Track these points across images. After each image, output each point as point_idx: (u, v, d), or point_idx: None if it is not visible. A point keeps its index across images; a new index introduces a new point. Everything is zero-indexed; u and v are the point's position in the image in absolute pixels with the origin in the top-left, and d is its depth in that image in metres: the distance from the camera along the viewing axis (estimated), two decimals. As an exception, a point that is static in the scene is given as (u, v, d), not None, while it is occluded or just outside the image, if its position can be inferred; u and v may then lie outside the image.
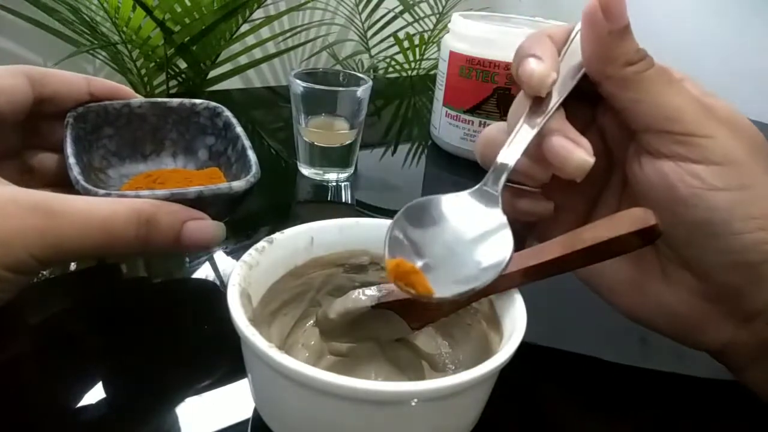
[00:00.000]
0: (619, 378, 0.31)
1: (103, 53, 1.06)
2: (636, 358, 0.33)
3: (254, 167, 0.32)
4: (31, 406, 0.26)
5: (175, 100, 0.37)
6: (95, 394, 0.27)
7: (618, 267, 0.28)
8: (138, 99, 0.37)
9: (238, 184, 0.30)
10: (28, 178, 0.33)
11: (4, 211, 0.24)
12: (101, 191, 0.28)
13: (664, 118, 0.24)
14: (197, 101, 0.38)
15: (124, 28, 0.99)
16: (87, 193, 0.28)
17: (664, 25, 1.08)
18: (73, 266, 0.36)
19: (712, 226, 0.24)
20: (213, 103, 0.38)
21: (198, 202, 0.29)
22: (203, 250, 0.29)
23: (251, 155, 0.34)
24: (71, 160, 0.30)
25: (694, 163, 0.24)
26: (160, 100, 0.37)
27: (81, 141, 0.34)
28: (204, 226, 0.29)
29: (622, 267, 0.28)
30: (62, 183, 0.30)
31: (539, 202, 0.28)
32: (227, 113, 0.37)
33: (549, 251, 0.24)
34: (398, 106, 0.84)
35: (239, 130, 0.36)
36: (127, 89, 0.36)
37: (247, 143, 0.35)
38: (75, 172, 0.30)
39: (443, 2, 1.45)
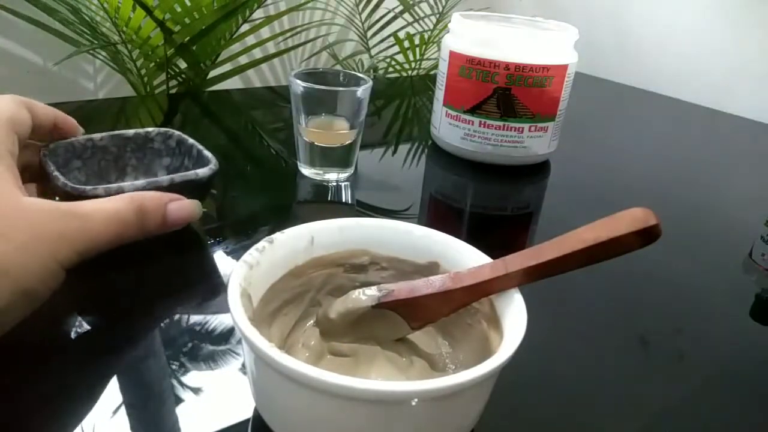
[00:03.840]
0: (619, 378, 0.32)
1: (103, 53, 1.06)
2: (636, 358, 0.33)
3: (213, 159, 0.39)
4: (29, 405, 0.26)
5: (131, 131, 0.43)
6: (94, 392, 0.27)
7: None
8: (98, 134, 0.41)
9: (203, 171, 0.37)
10: None
11: (43, 217, 0.26)
12: (88, 188, 0.33)
13: None
14: (150, 129, 0.43)
15: (124, 28, 0.99)
16: (76, 191, 0.33)
17: (665, 26, 1.08)
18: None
19: None
20: (163, 129, 0.43)
21: (171, 189, 0.34)
22: (184, 225, 0.34)
23: (207, 153, 0.40)
24: (55, 173, 0.34)
25: None
26: (117, 132, 0.42)
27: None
28: (183, 204, 0.33)
29: None
30: None
31: None
32: (177, 133, 0.43)
33: (549, 251, 0.24)
34: (398, 106, 0.84)
35: (191, 141, 0.42)
36: (70, 121, 0.38)
37: (200, 147, 0.41)
38: (62, 179, 0.34)
39: (443, 2, 1.45)
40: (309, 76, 0.49)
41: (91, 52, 1.03)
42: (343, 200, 0.50)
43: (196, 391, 0.28)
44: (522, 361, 0.22)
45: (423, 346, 0.29)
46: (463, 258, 0.28)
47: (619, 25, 1.15)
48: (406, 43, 1.38)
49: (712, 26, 1.02)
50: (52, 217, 0.26)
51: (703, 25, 1.03)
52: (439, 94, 0.59)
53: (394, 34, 1.39)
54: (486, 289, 0.25)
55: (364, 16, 1.43)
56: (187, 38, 1.00)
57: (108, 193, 0.33)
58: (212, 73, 1.11)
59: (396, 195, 0.53)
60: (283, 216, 0.48)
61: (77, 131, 0.39)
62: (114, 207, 0.29)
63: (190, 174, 0.36)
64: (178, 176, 0.36)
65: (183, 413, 0.26)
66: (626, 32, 1.14)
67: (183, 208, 0.33)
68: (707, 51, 1.03)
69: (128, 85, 1.09)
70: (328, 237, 0.29)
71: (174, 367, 0.29)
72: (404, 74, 1.43)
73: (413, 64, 1.43)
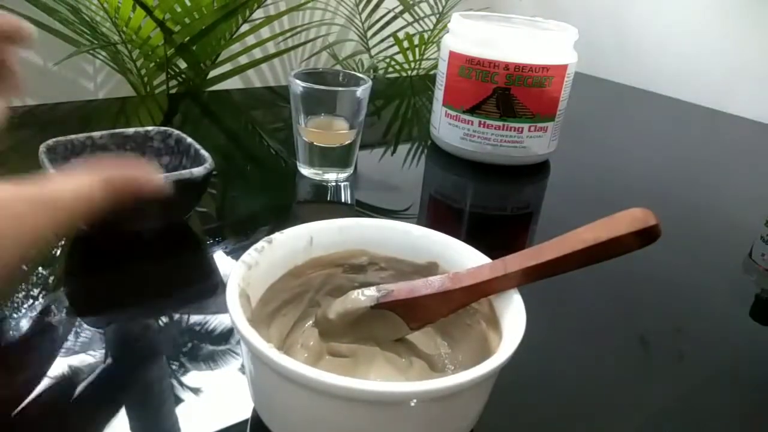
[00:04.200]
0: (619, 378, 0.31)
1: (103, 53, 1.06)
2: (636, 358, 0.33)
3: (209, 159, 0.39)
4: (29, 405, 0.26)
5: (131, 130, 0.43)
6: (94, 393, 0.27)
7: None
8: (98, 132, 0.41)
9: (198, 170, 0.37)
10: None
11: (9, 211, 0.24)
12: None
13: None
14: (150, 128, 0.43)
15: (124, 28, 0.99)
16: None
17: (665, 26, 1.08)
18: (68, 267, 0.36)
19: None
20: (163, 128, 0.43)
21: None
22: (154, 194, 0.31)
23: (203, 152, 0.40)
24: (51, 171, 0.35)
25: None
26: (117, 131, 0.42)
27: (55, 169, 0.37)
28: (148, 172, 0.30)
29: None
30: None
31: None
32: (176, 132, 0.43)
33: (549, 251, 0.24)
34: (398, 106, 0.84)
35: (189, 140, 0.42)
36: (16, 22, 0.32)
37: (197, 146, 0.41)
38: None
39: (443, 2, 1.45)
40: (309, 76, 0.49)
41: (91, 52, 1.03)
42: (343, 200, 0.50)
43: (195, 391, 0.27)
44: (521, 361, 0.22)
45: (422, 347, 0.29)
46: (462, 258, 0.28)
47: (619, 25, 1.15)
48: (406, 43, 1.38)
49: (712, 26, 1.02)
50: (19, 209, 0.24)
51: (703, 25, 1.03)
52: (439, 94, 0.58)
53: (394, 34, 1.39)
54: (485, 290, 0.25)
55: (364, 16, 1.43)
56: (187, 38, 1.00)
57: None
58: (212, 73, 1.11)
59: (395, 195, 0.53)
60: (282, 216, 0.48)
61: (25, 31, 0.33)
62: (83, 185, 0.27)
63: (185, 173, 0.36)
64: (173, 175, 0.36)
65: (182, 413, 0.26)
66: (626, 32, 1.14)
67: (149, 176, 0.30)
68: (707, 51, 1.03)
69: (128, 85, 1.09)
70: (327, 237, 0.29)
71: (174, 367, 0.29)
72: (404, 74, 1.42)
73: (413, 64, 1.43)
